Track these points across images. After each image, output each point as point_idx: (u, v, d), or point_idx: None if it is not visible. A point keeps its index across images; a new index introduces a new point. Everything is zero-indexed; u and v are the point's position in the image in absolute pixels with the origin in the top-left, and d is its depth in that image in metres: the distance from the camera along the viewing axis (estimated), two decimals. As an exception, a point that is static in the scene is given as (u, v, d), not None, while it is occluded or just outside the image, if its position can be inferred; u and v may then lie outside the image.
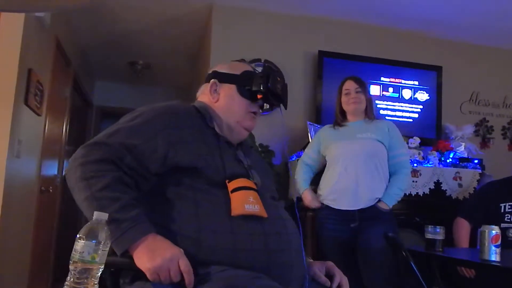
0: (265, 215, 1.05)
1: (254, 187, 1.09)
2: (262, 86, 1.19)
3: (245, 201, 1.03)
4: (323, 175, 2.27)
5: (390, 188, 2.13)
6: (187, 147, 1.07)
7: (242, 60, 1.28)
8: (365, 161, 2.11)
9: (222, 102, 1.23)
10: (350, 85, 2.25)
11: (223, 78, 1.25)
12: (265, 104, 1.26)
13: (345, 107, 2.26)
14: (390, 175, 2.18)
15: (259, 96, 1.21)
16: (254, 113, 1.24)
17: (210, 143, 1.13)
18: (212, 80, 1.26)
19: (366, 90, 2.27)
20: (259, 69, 1.32)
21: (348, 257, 2.12)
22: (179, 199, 1.04)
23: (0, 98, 2.23)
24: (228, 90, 1.24)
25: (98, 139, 1.04)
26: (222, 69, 1.28)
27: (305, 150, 2.42)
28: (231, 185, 1.05)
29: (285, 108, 1.29)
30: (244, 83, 1.21)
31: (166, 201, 1.04)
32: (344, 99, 2.26)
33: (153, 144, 1.04)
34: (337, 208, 2.13)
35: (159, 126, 1.07)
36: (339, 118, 2.29)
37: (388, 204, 2.11)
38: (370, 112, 2.26)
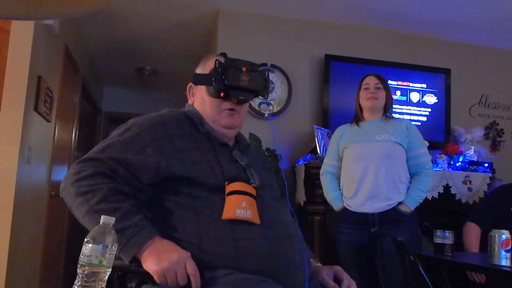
0: (257, 221, 1.03)
1: (251, 191, 1.07)
2: (215, 83, 1.13)
3: (237, 206, 1.02)
4: (341, 178, 2.21)
5: (411, 190, 2.08)
6: (180, 156, 1.07)
7: (221, 54, 1.22)
8: (383, 163, 2.06)
9: (197, 104, 1.23)
10: (370, 80, 2.20)
11: (196, 79, 1.24)
12: (235, 99, 1.16)
13: (362, 102, 2.20)
14: (411, 176, 2.13)
15: (221, 94, 1.15)
16: (232, 109, 1.18)
17: (204, 148, 1.12)
18: (189, 84, 1.26)
19: (387, 87, 2.21)
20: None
21: (364, 261, 2.09)
22: (179, 207, 1.04)
23: (11, 105, 2.27)
24: (200, 92, 1.23)
25: (89, 156, 1.05)
26: (198, 69, 1.25)
27: (324, 159, 2.33)
28: (228, 188, 1.05)
29: (265, 98, 1.23)
30: (210, 82, 1.16)
31: (166, 210, 1.05)
32: (362, 93, 2.20)
33: (143, 157, 1.05)
34: (356, 211, 2.08)
35: (149, 138, 1.08)
36: (359, 114, 2.23)
37: (410, 206, 2.05)
38: (389, 110, 2.20)
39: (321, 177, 2.30)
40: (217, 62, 1.15)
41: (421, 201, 2.11)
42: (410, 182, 2.12)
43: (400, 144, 2.11)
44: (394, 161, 2.08)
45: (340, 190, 2.20)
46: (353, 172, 2.12)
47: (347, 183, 2.15)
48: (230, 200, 1.03)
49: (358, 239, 2.08)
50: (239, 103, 1.18)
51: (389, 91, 2.23)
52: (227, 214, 1.01)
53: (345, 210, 2.13)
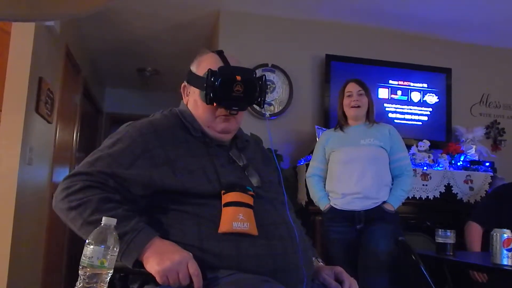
0: (255, 233, 1.01)
1: (249, 201, 1.04)
2: (207, 95, 1.09)
3: (233, 219, 0.99)
4: (327, 181, 2.29)
5: (394, 190, 2.19)
6: (173, 166, 1.04)
7: (217, 53, 1.18)
8: (369, 166, 2.16)
9: (191, 106, 1.19)
10: (352, 87, 2.27)
11: (190, 79, 1.19)
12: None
13: (346, 110, 2.28)
14: (393, 178, 2.23)
15: (214, 104, 1.10)
16: (226, 114, 1.13)
17: (199, 153, 1.09)
18: (184, 82, 1.21)
19: (368, 93, 2.28)
20: (259, 71, 1.17)
21: (355, 258, 2.12)
22: (178, 212, 1.03)
23: (12, 106, 2.27)
24: (193, 94, 1.18)
25: (78, 170, 1.03)
26: (193, 66, 1.20)
27: (311, 162, 2.40)
28: (225, 198, 1.03)
29: (260, 107, 1.16)
30: (203, 87, 1.10)
31: (165, 214, 1.03)
32: (346, 101, 2.27)
33: (134, 170, 1.02)
34: (343, 209, 2.17)
35: (139, 150, 1.04)
36: (343, 120, 2.31)
37: (394, 205, 2.16)
38: (372, 115, 2.28)
39: (307, 179, 2.38)
40: (209, 71, 1.09)
41: (403, 200, 2.21)
42: (392, 184, 2.22)
43: (384, 148, 2.21)
44: (379, 164, 2.19)
45: (325, 191, 2.28)
46: (341, 174, 2.21)
47: (334, 185, 2.23)
48: (226, 213, 1.01)
49: (347, 236, 2.16)
50: (232, 115, 1.14)
51: (370, 96, 2.30)
52: (224, 227, 0.99)
53: (332, 209, 2.21)
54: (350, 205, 2.15)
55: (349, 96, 2.26)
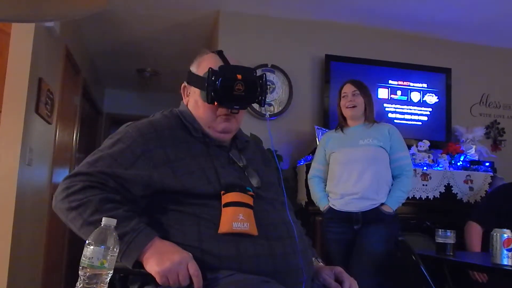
0: (255, 233, 1.01)
1: (248, 201, 1.04)
2: (208, 94, 1.08)
3: (233, 219, 0.99)
4: (328, 181, 2.30)
5: (393, 191, 2.17)
6: (173, 167, 1.04)
7: (217, 53, 1.19)
8: (368, 167, 2.15)
9: (191, 106, 1.19)
10: (347, 88, 2.29)
11: (190, 79, 1.19)
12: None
13: (343, 111, 2.30)
14: (393, 178, 2.21)
15: (215, 103, 1.10)
16: (227, 113, 1.13)
17: (199, 154, 1.09)
18: (184, 83, 1.22)
19: (365, 93, 2.28)
20: (260, 71, 1.18)
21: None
22: (178, 212, 1.03)
23: (12, 107, 2.27)
24: (194, 94, 1.18)
25: (79, 170, 1.03)
26: (193, 67, 1.20)
27: (312, 164, 2.42)
28: (224, 199, 1.03)
29: (261, 105, 1.16)
30: (204, 87, 1.10)
31: (165, 215, 1.03)
32: (342, 102, 2.30)
33: (134, 171, 1.02)
34: (341, 210, 2.17)
35: (139, 150, 1.05)
36: (342, 121, 2.33)
37: (392, 207, 2.14)
38: (370, 114, 2.28)
39: (309, 181, 2.40)
40: (210, 70, 1.09)
41: (403, 201, 2.19)
42: (392, 184, 2.21)
43: (383, 148, 2.20)
44: (378, 164, 2.18)
45: (326, 192, 2.30)
46: (340, 175, 2.22)
47: (334, 185, 2.24)
48: (226, 213, 1.01)
49: (345, 237, 2.17)
50: (233, 113, 1.14)
51: (368, 96, 2.30)
52: (224, 227, 1.00)
53: (331, 209, 2.22)
54: (348, 206, 2.15)
55: (344, 97, 2.29)
